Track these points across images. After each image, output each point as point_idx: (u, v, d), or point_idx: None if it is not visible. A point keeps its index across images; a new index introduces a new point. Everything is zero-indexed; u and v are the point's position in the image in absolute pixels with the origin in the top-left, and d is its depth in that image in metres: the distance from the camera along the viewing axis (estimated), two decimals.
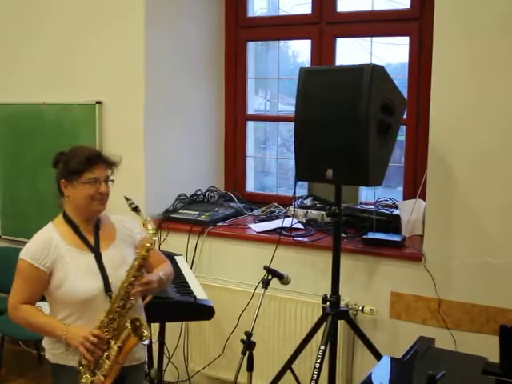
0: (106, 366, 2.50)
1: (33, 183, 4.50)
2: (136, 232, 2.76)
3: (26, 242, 2.63)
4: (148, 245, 2.54)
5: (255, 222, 4.03)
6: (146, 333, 2.52)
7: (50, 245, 2.58)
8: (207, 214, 4.07)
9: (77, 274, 2.55)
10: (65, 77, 4.41)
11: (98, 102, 4.24)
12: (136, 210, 2.60)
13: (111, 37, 4.17)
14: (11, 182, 4.74)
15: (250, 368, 3.07)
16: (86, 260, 2.59)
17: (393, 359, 2.40)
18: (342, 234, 3.42)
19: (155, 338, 3.48)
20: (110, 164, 2.64)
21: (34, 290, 2.60)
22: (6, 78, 4.71)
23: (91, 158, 2.58)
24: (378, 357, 3.16)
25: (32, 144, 4.55)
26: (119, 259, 2.63)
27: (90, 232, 2.65)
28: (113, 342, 2.50)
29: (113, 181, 2.65)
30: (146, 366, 3.45)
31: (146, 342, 2.53)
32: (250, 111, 4.69)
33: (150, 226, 2.58)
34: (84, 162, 2.56)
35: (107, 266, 2.60)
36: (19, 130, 4.68)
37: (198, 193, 4.42)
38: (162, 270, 2.72)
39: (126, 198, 2.61)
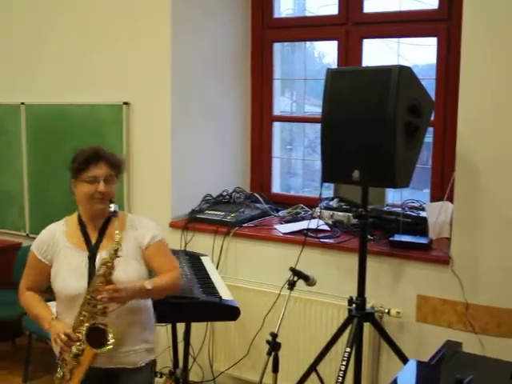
0: (69, 366, 2.54)
1: (60, 183, 4.52)
2: (145, 235, 2.70)
3: None
4: (111, 252, 2.54)
5: (281, 223, 4.02)
6: (110, 341, 2.51)
7: (51, 239, 2.69)
8: (233, 214, 4.07)
9: (66, 271, 2.64)
10: (92, 77, 4.45)
11: (125, 103, 4.28)
12: (113, 214, 2.61)
13: (138, 38, 4.21)
14: (39, 181, 4.80)
15: (275, 369, 3.06)
16: (79, 259, 2.64)
17: (419, 363, 2.37)
18: (369, 236, 3.41)
19: (180, 338, 3.50)
20: (112, 163, 2.66)
21: (37, 278, 2.73)
22: (35, 79, 4.77)
23: (90, 157, 2.63)
24: (404, 360, 3.14)
25: (59, 144, 4.59)
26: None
27: (96, 231, 2.71)
28: (78, 343, 2.53)
29: (115, 184, 2.68)
30: (172, 367, 3.48)
31: (101, 350, 2.51)
32: (276, 112, 4.68)
33: (117, 236, 2.55)
34: (83, 162, 2.62)
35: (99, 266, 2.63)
36: (47, 130, 4.74)
37: (224, 193, 4.43)
38: (153, 280, 2.64)
39: (111, 201, 2.63)
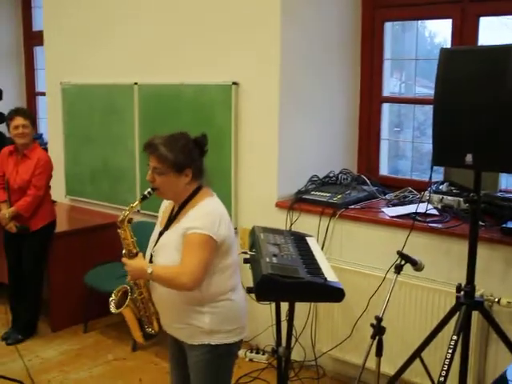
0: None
1: None
2: (185, 225, 2.68)
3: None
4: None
5: (388, 207, 3.96)
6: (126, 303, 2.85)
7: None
8: (339, 196, 4.05)
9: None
10: (202, 58, 4.53)
11: (234, 83, 4.32)
12: (142, 197, 2.77)
13: (248, 18, 4.23)
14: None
15: (378, 353, 3.04)
16: (156, 233, 2.83)
17: None
18: (480, 222, 3.29)
19: (283, 317, 3.52)
20: (159, 157, 2.68)
21: None
22: (148, 60, 4.90)
23: (145, 147, 2.75)
24: None
25: (169, 123, 4.71)
26: (165, 242, 2.74)
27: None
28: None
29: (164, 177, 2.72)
30: (275, 345, 3.52)
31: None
32: (386, 93, 4.60)
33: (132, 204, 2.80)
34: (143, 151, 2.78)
35: (159, 243, 2.77)
36: (158, 109, 4.88)
37: (331, 175, 4.40)
38: (158, 267, 2.69)
39: (153, 189, 2.74)
